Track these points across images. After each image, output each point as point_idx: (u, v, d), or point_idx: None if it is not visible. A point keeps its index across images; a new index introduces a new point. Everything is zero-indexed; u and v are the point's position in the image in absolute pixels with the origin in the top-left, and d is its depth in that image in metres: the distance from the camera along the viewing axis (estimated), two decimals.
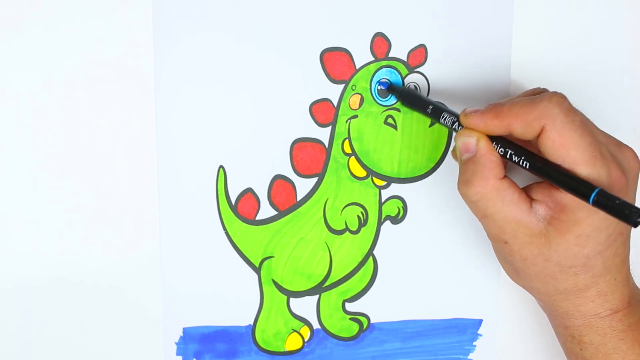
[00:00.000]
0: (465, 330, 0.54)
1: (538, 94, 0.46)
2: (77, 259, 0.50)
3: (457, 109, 0.52)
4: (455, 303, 0.54)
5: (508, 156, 0.45)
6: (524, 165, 0.44)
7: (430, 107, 0.48)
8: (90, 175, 0.49)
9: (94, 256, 0.50)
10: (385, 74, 0.51)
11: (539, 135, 0.44)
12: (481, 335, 0.55)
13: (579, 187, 0.42)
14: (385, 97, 0.51)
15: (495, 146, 0.45)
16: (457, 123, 0.47)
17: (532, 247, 0.45)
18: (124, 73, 0.48)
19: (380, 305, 0.54)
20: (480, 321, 0.54)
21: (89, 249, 0.50)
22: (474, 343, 0.55)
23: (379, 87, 0.50)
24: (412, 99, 0.50)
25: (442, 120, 0.48)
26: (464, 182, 0.46)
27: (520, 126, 0.44)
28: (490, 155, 0.45)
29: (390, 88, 0.51)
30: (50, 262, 0.50)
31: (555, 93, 0.44)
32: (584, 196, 0.42)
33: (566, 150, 0.43)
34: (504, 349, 0.55)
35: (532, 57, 0.52)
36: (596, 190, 0.41)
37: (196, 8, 0.48)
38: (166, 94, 0.49)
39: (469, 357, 0.55)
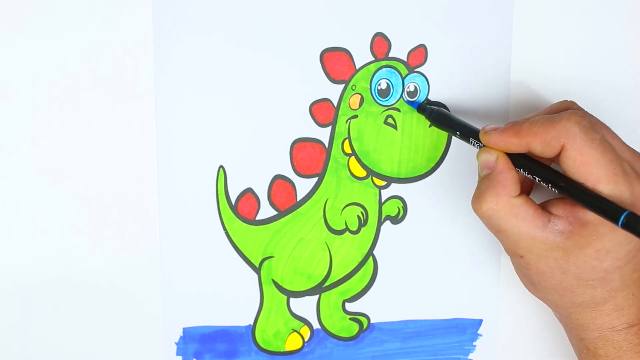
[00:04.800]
0: (465, 330, 0.54)
1: (561, 110, 0.46)
2: (77, 259, 0.50)
3: (458, 110, 0.52)
4: (455, 303, 0.54)
5: (531, 175, 0.45)
6: (548, 185, 0.45)
7: (459, 131, 0.49)
8: (90, 175, 0.49)
9: (94, 256, 0.50)
10: (385, 74, 0.51)
11: (559, 154, 0.44)
12: (481, 335, 0.55)
13: (607, 208, 0.42)
14: (386, 97, 0.51)
15: (519, 165, 0.46)
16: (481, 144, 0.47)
17: (549, 261, 0.45)
18: (124, 73, 0.48)
19: (380, 305, 0.53)
20: (480, 321, 0.54)
21: (89, 249, 0.50)
22: (474, 343, 0.55)
23: (407, 99, 0.51)
24: (442, 119, 0.50)
25: (471, 143, 0.48)
26: (476, 197, 0.46)
27: (539, 145, 0.44)
28: (506, 173, 0.45)
29: (421, 108, 0.51)
30: (50, 262, 0.50)
31: (574, 112, 0.44)
32: (613, 218, 0.42)
33: (587, 168, 0.43)
34: (504, 349, 0.55)
35: (532, 57, 0.52)
36: (625, 213, 0.41)
37: (196, 8, 0.48)
38: (166, 94, 0.49)
39: (469, 357, 0.55)
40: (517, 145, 0.45)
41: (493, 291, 0.54)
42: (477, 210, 0.46)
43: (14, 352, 0.51)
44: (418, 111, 0.51)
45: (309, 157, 0.51)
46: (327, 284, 0.53)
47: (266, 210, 0.51)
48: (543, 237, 0.45)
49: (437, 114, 0.50)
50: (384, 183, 0.52)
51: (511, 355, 0.55)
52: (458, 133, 0.49)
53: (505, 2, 0.51)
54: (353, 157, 0.52)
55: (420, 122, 0.52)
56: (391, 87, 0.51)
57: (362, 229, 0.52)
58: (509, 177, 0.45)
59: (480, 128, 0.47)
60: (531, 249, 0.45)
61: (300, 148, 0.51)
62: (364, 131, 0.51)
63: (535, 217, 0.45)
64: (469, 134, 0.48)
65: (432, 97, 0.51)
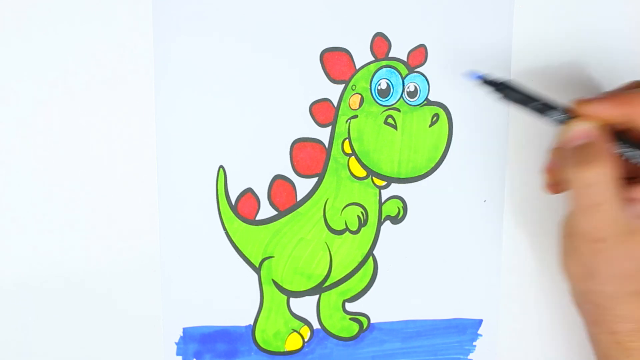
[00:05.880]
0: (465, 330, 0.54)
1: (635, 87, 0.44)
2: (77, 259, 0.50)
3: (458, 109, 0.52)
4: (455, 303, 0.54)
5: (625, 152, 0.43)
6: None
7: (536, 102, 0.45)
8: (90, 176, 0.49)
9: (94, 256, 0.50)
10: (385, 74, 0.51)
11: None
12: (481, 335, 0.55)
13: None
14: (386, 97, 0.51)
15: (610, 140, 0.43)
16: (565, 116, 0.44)
17: (627, 245, 0.44)
18: (124, 73, 0.48)
19: (380, 305, 0.54)
20: (480, 321, 0.54)
21: (89, 249, 0.50)
22: (474, 343, 0.55)
23: (473, 79, 0.48)
24: (515, 92, 0.46)
25: (551, 117, 0.45)
26: (579, 164, 0.43)
27: None
28: (607, 143, 0.43)
29: (487, 81, 0.47)
30: (50, 262, 0.50)
31: None
32: None
33: None
34: (504, 349, 0.55)
35: (532, 57, 0.52)
36: None
37: (196, 8, 0.48)
38: (166, 94, 0.49)
39: (469, 357, 0.55)
40: (618, 114, 0.43)
41: (493, 291, 0.54)
42: (580, 179, 0.43)
43: (14, 352, 0.51)
44: (483, 83, 0.47)
45: (309, 157, 0.51)
46: (327, 284, 0.53)
47: (266, 210, 0.51)
48: (625, 219, 0.43)
49: (509, 86, 0.46)
50: (384, 183, 0.52)
51: (511, 355, 0.55)
52: (536, 104, 0.45)
53: (505, 2, 0.51)
54: (353, 157, 0.52)
55: (420, 122, 0.52)
56: (391, 87, 0.51)
57: (362, 229, 0.52)
58: (609, 148, 0.43)
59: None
60: (615, 229, 0.43)
61: (300, 148, 0.51)
62: (364, 131, 0.51)
63: (624, 196, 0.43)
64: (550, 105, 0.45)
65: (432, 97, 0.51)
